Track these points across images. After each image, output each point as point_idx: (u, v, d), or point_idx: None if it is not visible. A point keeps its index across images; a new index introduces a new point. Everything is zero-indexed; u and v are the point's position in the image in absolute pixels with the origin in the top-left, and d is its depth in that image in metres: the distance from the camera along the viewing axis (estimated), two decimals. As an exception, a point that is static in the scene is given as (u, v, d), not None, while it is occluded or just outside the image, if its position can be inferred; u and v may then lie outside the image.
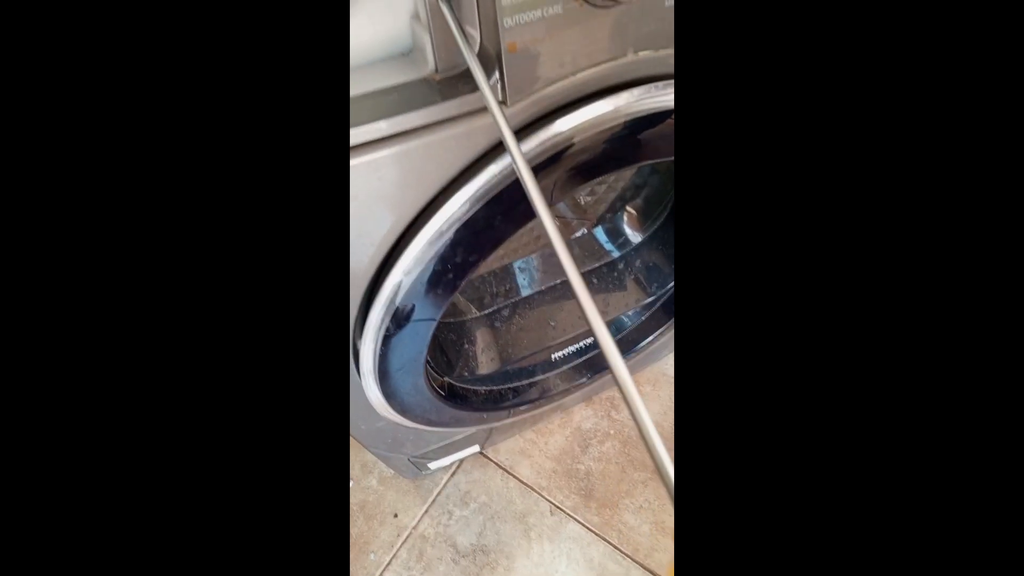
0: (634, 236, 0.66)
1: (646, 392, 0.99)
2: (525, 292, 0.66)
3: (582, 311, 0.21)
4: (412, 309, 0.39)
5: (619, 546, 0.84)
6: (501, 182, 0.34)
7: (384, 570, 0.83)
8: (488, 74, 0.30)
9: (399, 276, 0.37)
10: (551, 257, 0.67)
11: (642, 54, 0.34)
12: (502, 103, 0.32)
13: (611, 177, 0.61)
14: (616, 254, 0.66)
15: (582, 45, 0.31)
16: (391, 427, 0.56)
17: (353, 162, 0.31)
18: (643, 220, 0.65)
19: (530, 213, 0.37)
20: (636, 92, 0.34)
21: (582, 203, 0.65)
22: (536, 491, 0.89)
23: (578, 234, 0.67)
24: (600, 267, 0.67)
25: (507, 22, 0.28)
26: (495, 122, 0.26)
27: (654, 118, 0.36)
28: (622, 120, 0.35)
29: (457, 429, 0.64)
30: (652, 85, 0.35)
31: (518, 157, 0.24)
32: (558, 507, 0.88)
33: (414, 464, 0.78)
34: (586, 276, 0.66)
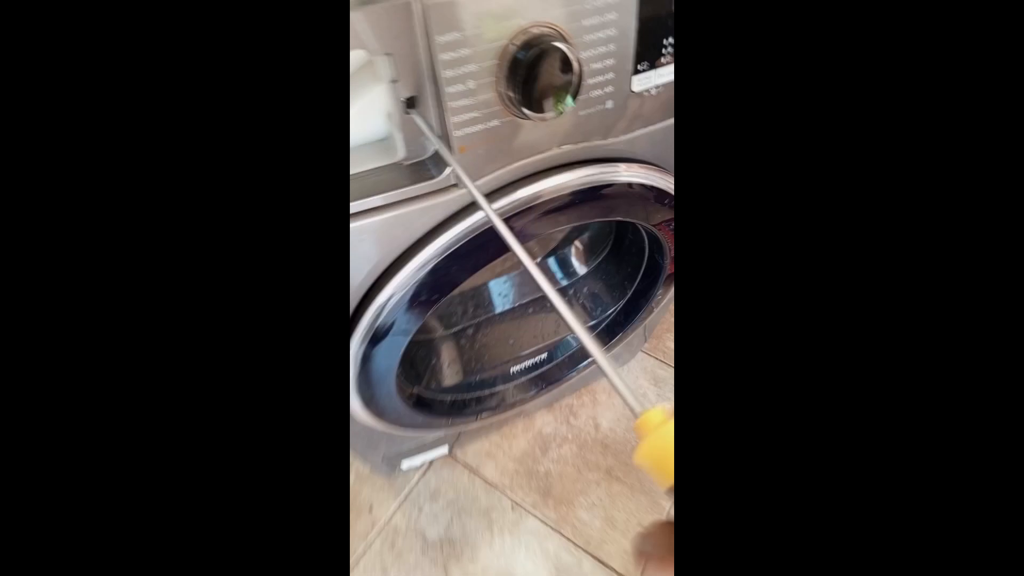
0: (580, 268, 0.77)
1: (601, 400, 1.09)
2: (490, 312, 0.76)
3: (562, 318, 0.28)
4: (389, 327, 0.49)
5: (572, 539, 0.94)
6: (457, 241, 0.44)
7: (360, 559, 0.92)
8: (443, 168, 0.41)
9: (379, 303, 0.46)
10: (513, 282, 0.78)
11: (564, 147, 0.44)
12: (453, 185, 0.42)
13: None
14: (565, 282, 0.77)
15: (517, 144, 0.42)
16: (367, 430, 0.65)
17: (359, 223, 0.40)
18: (587, 255, 0.76)
19: (480, 262, 0.47)
20: (563, 176, 0.45)
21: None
22: (499, 489, 0.99)
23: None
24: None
25: (456, 133, 0.38)
26: (470, 192, 0.34)
27: (582, 193, 0.47)
28: (555, 195, 0.46)
29: (425, 432, 0.74)
30: (572, 170, 0.46)
31: (491, 212, 0.33)
32: (518, 504, 0.98)
33: (388, 462, 0.88)
34: (540, 300, 0.77)
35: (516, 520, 0.96)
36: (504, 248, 0.46)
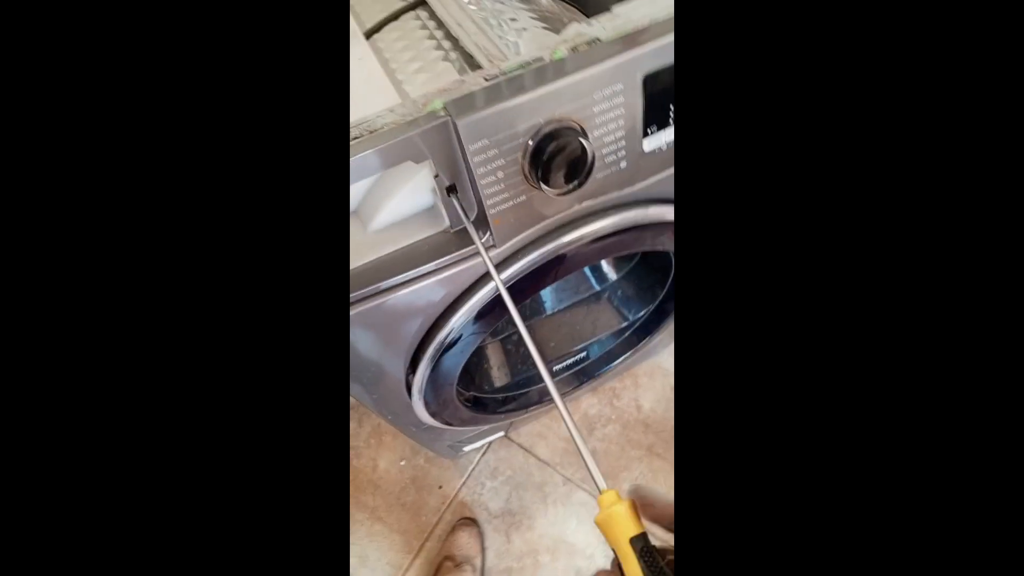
0: (611, 274, 0.83)
1: (642, 383, 1.17)
2: (531, 319, 0.85)
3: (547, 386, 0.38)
4: (455, 341, 0.58)
5: (618, 509, 1.05)
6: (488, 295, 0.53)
7: (434, 528, 1.07)
8: (483, 232, 0.49)
9: (439, 340, 0.56)
10: (551, 290, 0.85)
11: (585, 203, 0.51)
12: (492, 246, 0.50)
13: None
14: (598, 287, 0.84)
15: (544, 209, 0.49)
16: (433, 428, 0.76)
17: (414, 287, 0.50)
18: (618, 262, 0.82)
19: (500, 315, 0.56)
20: (587, 228, 0.52)
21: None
22: (551, 466, 1.11)
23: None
24: (588, 296, 0.85)
25: (491, 210, 0.46)
26: (484, 262, 0.43)
27: (604, 237, 0.54)
28: (585, 240, 0.53)
29: (482, 426, 0.85)
30: (594, 222, 0.52)
31: (498, 282, 0.42)
32: (568, 479, 1.09)
33: (452, 448, 1.00)
34: (575, 306, 0.84)
35: (567, 493, 1.07)
36: (531, 290, 0.54)
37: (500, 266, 0.52)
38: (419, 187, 0.50)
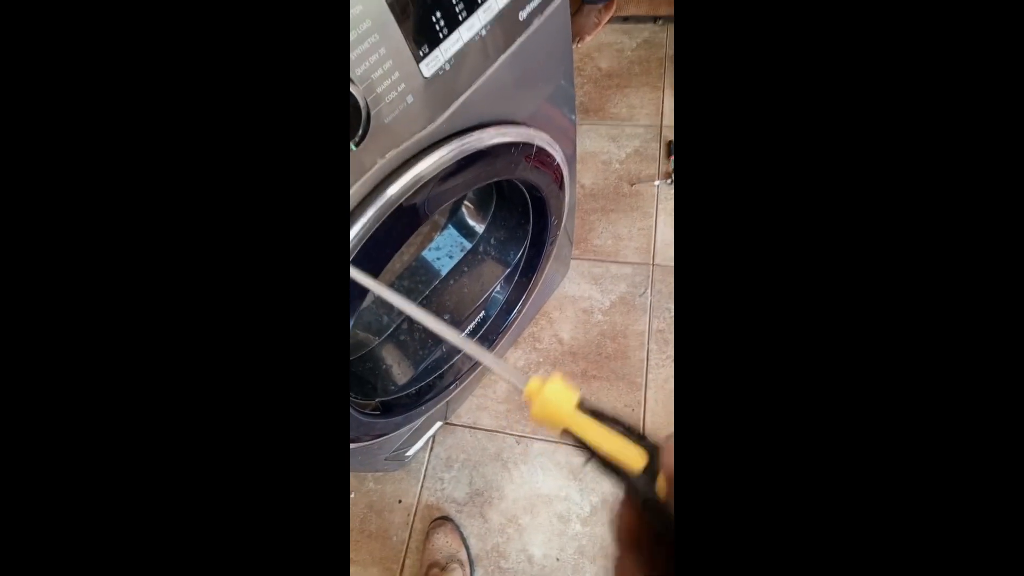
0: (478, 227, 0.78)
1: (555, 318, 1.16)
2: (416, 300, 0.78)
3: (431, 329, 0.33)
4: None
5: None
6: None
7: (407, 544, 1.01)
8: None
9: None
10: (422, 267, 0.79)
11: (390, 154, 0.45)
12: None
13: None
14: (470, 244, 0.79)
15: (355, 165, 0.42)
16: (358, 450, 0.69)
17: None
18: (479, 212, 0.77)
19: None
20: (409, 172, 0.46)
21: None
22: (499, 432, 1.08)
23: (439, 233, 0.79)
24: (465, 257, 0.80)
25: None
26: None
27: (445, 171, 0.48)
28: (414, 186, 0.47)
29: (408, 427, 0.79)
30: (423, 159, 0.46)
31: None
32: (520, 436, 1.07)
33: (394, 459, 0.94)
34: (455, 271, 0.79)
35: (523, 450, 1.06)
36: (383, 255, 0.48)
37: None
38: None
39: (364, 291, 0.49)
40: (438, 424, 1.04)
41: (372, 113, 0.39)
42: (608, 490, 1.00)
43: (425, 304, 0.79)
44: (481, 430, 1.09)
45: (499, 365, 0.30)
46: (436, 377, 0.78)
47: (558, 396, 0.25)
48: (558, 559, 0.97)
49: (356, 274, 0.36)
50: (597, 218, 1.28)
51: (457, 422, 1.10)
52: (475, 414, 1.11)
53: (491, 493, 1.03)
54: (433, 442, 1.09)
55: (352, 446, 0.65)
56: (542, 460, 1.05)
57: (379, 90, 0.40)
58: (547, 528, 0.99)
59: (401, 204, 0.46)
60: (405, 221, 0.48)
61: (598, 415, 0.26)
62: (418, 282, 0.79)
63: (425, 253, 0.79)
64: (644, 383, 1.08)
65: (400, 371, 0.75)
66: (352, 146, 0.39)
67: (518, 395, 1.10)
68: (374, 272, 0.48)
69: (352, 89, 0.37)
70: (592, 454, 0.26)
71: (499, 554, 0.98)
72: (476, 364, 0.82)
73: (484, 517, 1.01)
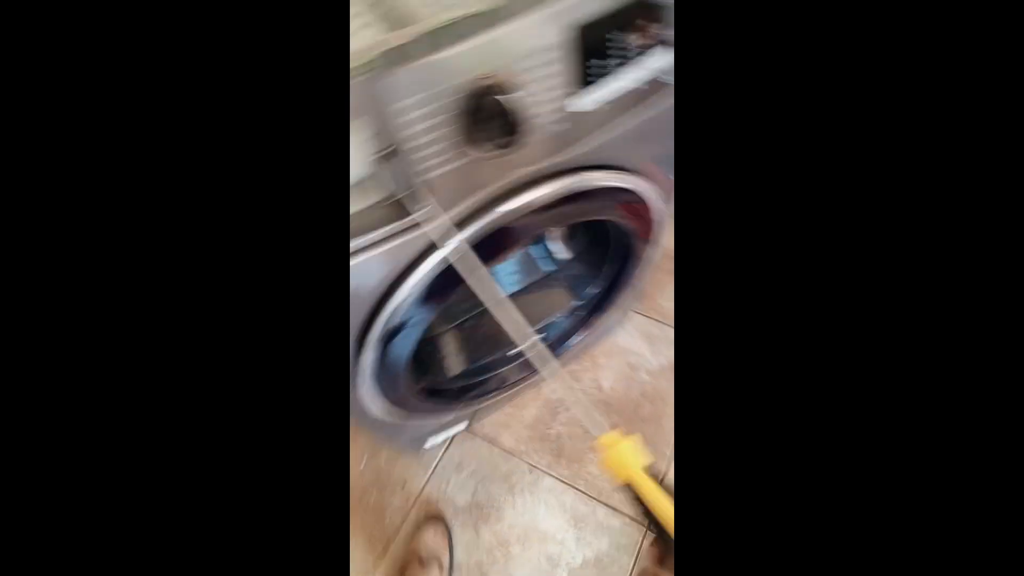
0: (560, 253, 0.83)
1: (601, 363, 1.17)
2: (481, 306, 0.83)
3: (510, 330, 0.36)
4: (403, 323, 0.55)
5: (586, 491, 1.04)
6: (436, 269, 0.50)
7: (399, 528, 1.03)
8: (422, 204, 0.47)
9: (388, 310, 0.53)
10: (503, 277, 0.84)
11: (522, 170, 0.50)
12: (430, 220, 0.48)
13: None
14: (548, 268, 0.83)
15: (479, 178, 0.47)
16: (387, 423, 0.73)
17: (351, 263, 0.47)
18: (568, 240, 0.82)
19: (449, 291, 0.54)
20: (525, 198, 0.51)
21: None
22: (516, 455, 1.09)
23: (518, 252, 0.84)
24: (540, 279, 0.84)
25: (426, 177, 0.44)
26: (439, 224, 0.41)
27: (547, 206, 0.53)
28: (526, 210, 0.52)
29: (440, 417, 0.83)
30: (537, 187, 0.51)
31: (465, 247, 0.40)
32: (534, 466, 1.08)
33: (413, 443, 0.97)
34: (531, 286, 0.83)
35: (534, 481, 1.06)
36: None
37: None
38: (353, 157, 0.47)
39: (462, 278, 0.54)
40: (462, 426, 1.07)
41: (525, 126, 0.44)
42: (604, 550, 0.98)
43: (487, 313, 0.84)
44: (499, 447, 1.10)
45: (586, 406, 0.33)
46: (482, 380, 0.81)
47: (633, 453, 0.29)
48: (535, 599, 0.95)
49: (468, 258, 0.40)
50: (668, 279, 1.29)
51: (479, 431, 1.12)
52: (498, 430, 1.12)
53: (490, 510, 1.04)
54: (451, 442, 1.11)
55: (386, 415, 0.69)
56: (548, 497, 1.05)
57: (537, 109, 0.45)
58: (534, 565, 0.98)
59: (506, 225, 0.51)
60: (503, 242, 0.53)
61: (659, 483, 0.29)
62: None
63: (500, 266, 0.84)
64: (670, 455, 1.06)
65: (453, 363, 0.79)
66: (505, 148, 0.44)
67: (544, 426, 1.11)
68: (454, 282, 0.53)
69: (518, 95, 0.42)
70: (646, 511, 0.29)
71: (480, 572, 0.98)
72: (520, 380, 0.84)
73: (476, 531, 1.02)
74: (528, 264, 0.83)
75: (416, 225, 0.48)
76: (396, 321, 0.53)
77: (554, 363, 0.33)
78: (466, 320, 0.82)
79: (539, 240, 0.83)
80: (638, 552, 0.97)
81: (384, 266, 0.49)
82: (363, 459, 1.11)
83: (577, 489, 1.05)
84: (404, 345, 0.57)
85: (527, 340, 0.35)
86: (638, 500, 0.29)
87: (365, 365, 0.57)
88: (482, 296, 0.38)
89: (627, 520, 1.00)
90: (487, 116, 0.40)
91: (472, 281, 0.38)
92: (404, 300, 0.51)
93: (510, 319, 0.36)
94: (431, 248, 0.50)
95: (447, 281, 0.51)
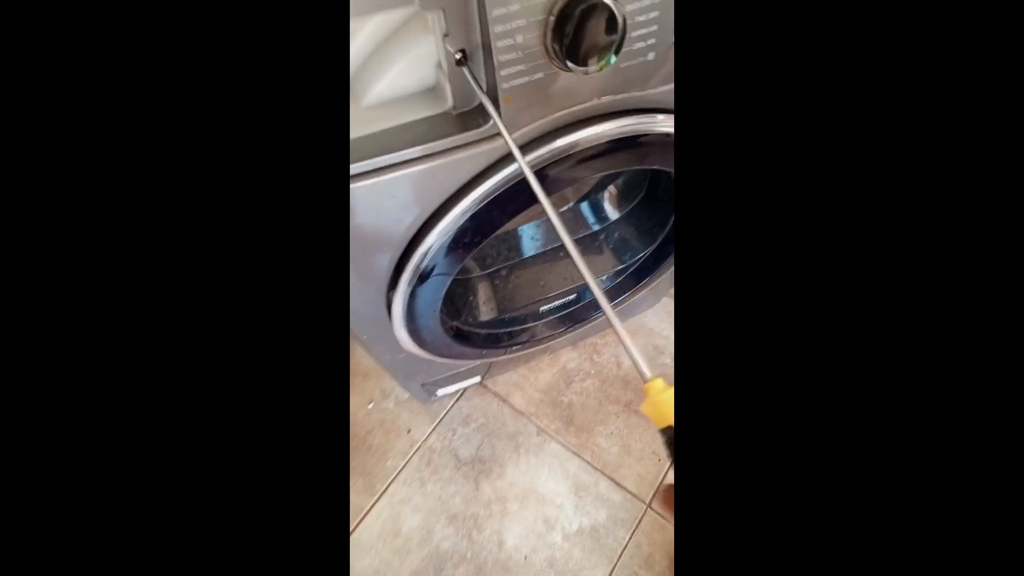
0: (612, 213, 0.79)
1: (624, 340, 1.15)
2: (521, 255, 0.80)
3: (578, 269, 0.33)
4: (432, 269, 0.53)
5: (591, 462, 1.03)
6: (498, 188, 0.47)
7: (399, 472, 1.03)
8: (489, 116, 0.43)
9: (425, 246, 0.51)
10: (544, 227, 0.81)
11: (604, 98, 0.46)
12: (497, 134, 0.45)
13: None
14: (597, 227, 0.79)
15: (559, 95, 0.44)
16: (410, 358, 0.72)
17: (396, 174, 0.44)
18: (620, 201, 0.78)
19: (518, 208, 0.50)
20: (601, 126, 0.47)
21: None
22: (525, 416, 1.08)
23: (564, 208, 0.80)
24: (583, 237, 0.80)
25: (503, 85, 0.41)
26: (506, 143, 0.38)
27: (618, 142, 0.49)
28: (592, 144, 0.48)
29: (462, 362, 0.81)
30: (610, 120, 0.47)
31: (523, 164, 0.37)
32: (543, 430, 1.06)
33: (426, 389, 0.96)
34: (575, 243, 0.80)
35: (540, 444, 1.05)
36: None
37: (499, 164, 0.47)
38: (421, 61, 0.44)
39: (515, 208, 0.51)
40: (474, 379, 1.06)
41: (622, 47, 0.40)
42: (601, 521, 0.97)
43: (527, 265, 0.81)
44: (509, 405, 1.09)
45: (634, 346, 0.31)
46: (508, 333, 0.79)
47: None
48: (526, 557, 0.95)
49: (530, 177, 0.37)
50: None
51: (491, 387, 1.11)
52: (509, 389, 1.11)
53: (493, 466, 1.03)
54: (462, 395, 1.10)
55: (415, 349, 0.68)
56: (552, 462, 1.04)
57: (635, 32, 0.41)
58: (529, 524, 0.98)
59: (573, 155, 0.47)
60: (562, 178, 0.49)
61: None
62: (528, 239, 0.80)
63: (545, 219, 0.81)
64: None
65: (485, 309, 0.77)
66: (613, 59, 0.40)
67: (558, 392, 1.09)
68: (508, 213, 0.50)
69: (621, 17, 0.38)
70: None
71: (475, 524, 0.98)
72: (546, 337, 0.82)
73: (476, 484, 1.02)
74: (577, 219, 0.79)
75: (481, 140, 0.45)
76: (444, 241, 0.50)
77: (609, 308, 0.31)
78: (499, 269, 0.79)
79: (591, 195, 0.79)
80: (635, 529, 0.96)
81: (440, 178, 0.47)
82: (371, 401, 1.10)
83: (582, 458, 1.03)
84: (443, 274, 0.55)
85: (590, 278, 0.33)
86: (672, 446, 0.28)
87: (403, 287, 0.54)
88: (552, 217, 0.35)
89: (629, 496, 0.99)
90: (583, 29, 0.37)
91: (543, 201, 0.36)
92: (463, 213, 0.48)
93: (575, 250, 0.34)
94: (492, 168, 0.47)
95: (505, 205, 0.48)
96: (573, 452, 1.04)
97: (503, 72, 0.40)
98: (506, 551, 0.96)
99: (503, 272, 0.79)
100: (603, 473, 1.02)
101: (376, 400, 1.11)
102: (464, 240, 0.51)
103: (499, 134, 0.45)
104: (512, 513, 0.99)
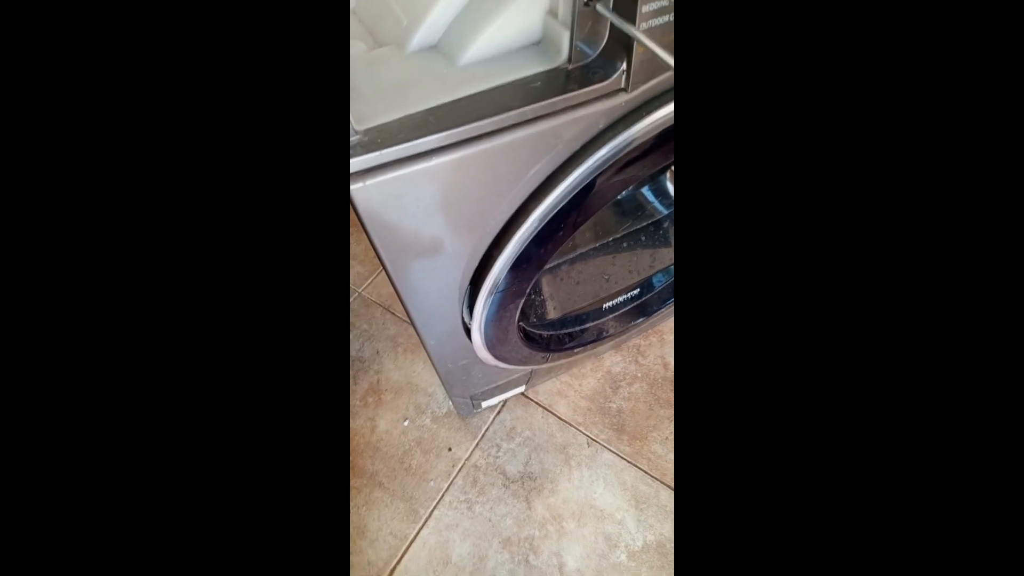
0: (681, 198, 0.74)
1: (668, 340, 1.09)
2: (582, 248, 0.74)
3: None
4: (530, 257, 0.46)
5: (649, 471, 0.96)
6: (616, 152, 0.41)
7: (443, 494, 0.95)
8: (612, 71, 0.37)
9: (526, 227, 0.44)
10: (605, 217, 0.75)
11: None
12: (623, 90, 0.39)
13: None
14: (663, 212, 0.74)
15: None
16: (469, 365, 0.64)
17: (507, 138, 0.38)
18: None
19: (634, 177, 0.44)
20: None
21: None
22: (573, 426, 1.01)
23: (623, 193, 0.75)
24: (648, 225, 0.75)
25: (643, 24, 0.35)
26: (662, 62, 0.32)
27: None
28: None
29: (514, 368, 0.74)
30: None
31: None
32: (593, 439, 0.99)
33: (472, 401, 0.88)
34: (633, 235, 0.74)
35: (592, 455, 0.98)
36: (662, 157, 0.43)
37: (625, 120, 0.41)
38: (525, 11, 0.38)
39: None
40: (519, 389, 0.98)
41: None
42: (667, 535, 0.90)
43: (588, 258, 0.75)
44: (555, 416, 1.02)
45: None
46: (571, 332, 0.72)
47: None
48: (590, 581, 0.87)
49: None
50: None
51: (533, 397, 1.04)
52: (553, 398, 1.04)
53: (544, 482, 0.95)
54: (503, 407, 1.03)
55: (486, 357, 0.61)
56: (607, 473, 0.96)
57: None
58: (590, 544, 0.90)
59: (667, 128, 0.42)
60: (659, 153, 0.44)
61: None
62: (595, 229, 0.74)
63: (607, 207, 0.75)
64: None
65: (549, 307, 0.70)
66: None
67: (605, 399, 1.03)
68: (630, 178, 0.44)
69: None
70: None
71: (531, 547, 0.90)
72: (616, 333, 0.76)
73: (529, 503, 0.94)
74: (639, 203, 0.74)
75: (601, 97, 0.39)
76: (552, 211, 0.43)
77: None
78: (560, 264, 0.73)
79: (652, 177, 0.74)
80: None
81: (551, 142, 0.40)
82: (405, 418, 1.02)
83: (639, 468, 0.96)
84: (546, 246, 0.48)
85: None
86: None
87: (491, 279, 0.47)
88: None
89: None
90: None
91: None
92: (580, 180, 0.42)
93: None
94: (611, 130, 0.41)
95: (632, 167, 0.42)
96: (628, 461, 0.97)
97: (645, 8, 0.34)
98: (568, 575, 0.87)
99: (563, 266, 0.73)
100: (663, 483, 0.95)
101: (411, 417, 1.02)
102: (570, 216, 0.45)
103: (623, 89, 0.39)
104: (570, 532, 0.91)
